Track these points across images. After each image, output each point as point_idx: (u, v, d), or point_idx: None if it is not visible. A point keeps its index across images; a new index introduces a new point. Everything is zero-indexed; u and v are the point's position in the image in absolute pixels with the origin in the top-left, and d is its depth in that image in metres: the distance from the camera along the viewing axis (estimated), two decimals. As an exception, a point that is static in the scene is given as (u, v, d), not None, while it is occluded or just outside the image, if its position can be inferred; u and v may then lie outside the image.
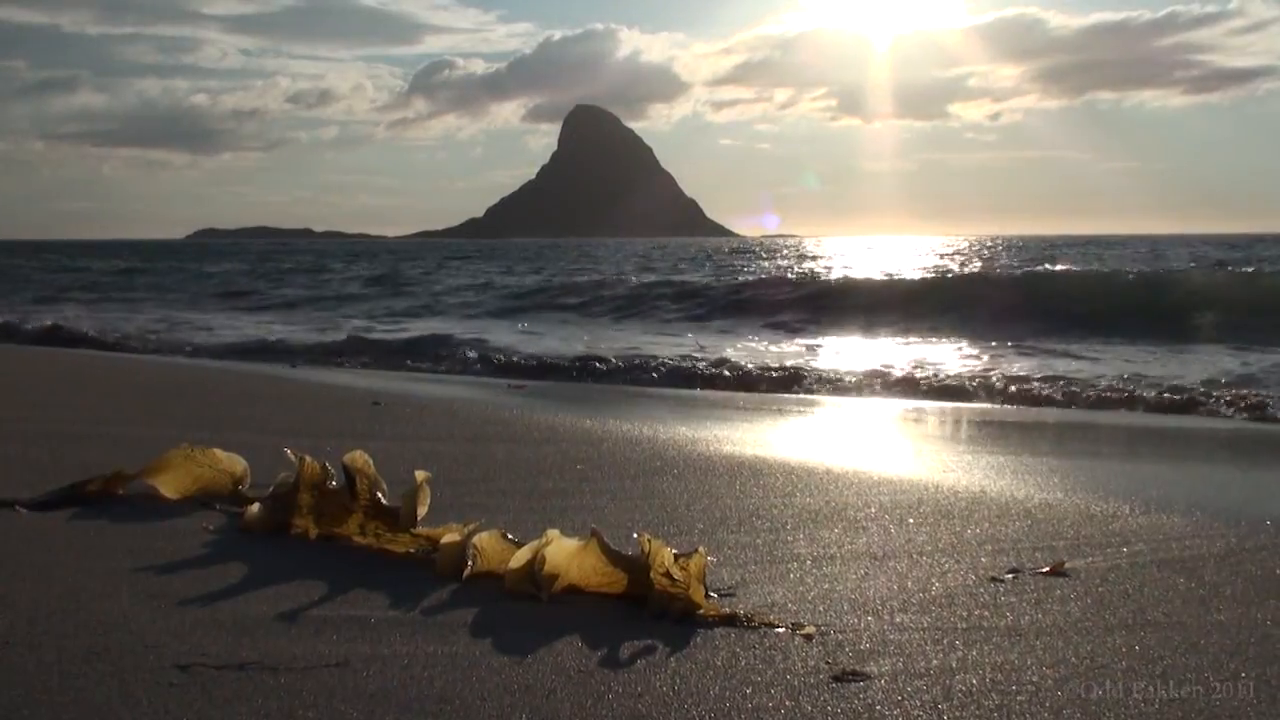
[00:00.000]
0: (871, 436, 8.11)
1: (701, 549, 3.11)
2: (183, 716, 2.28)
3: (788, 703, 2.46)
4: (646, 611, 3.01)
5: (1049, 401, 10.87)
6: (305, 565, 3.40)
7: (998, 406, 10.45)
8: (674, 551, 3.08)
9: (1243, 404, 10.11)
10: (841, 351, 17.42)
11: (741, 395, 10.97)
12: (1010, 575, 3.54)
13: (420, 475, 3.66)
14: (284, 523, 3.76)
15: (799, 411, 9.54)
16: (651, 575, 3.05)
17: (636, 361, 14.46)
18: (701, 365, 14.13)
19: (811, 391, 11.91)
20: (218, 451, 4.34)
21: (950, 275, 32.87)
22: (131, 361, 12.62)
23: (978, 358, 15.67)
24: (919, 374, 12.78)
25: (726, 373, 13.33)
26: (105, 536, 3.68)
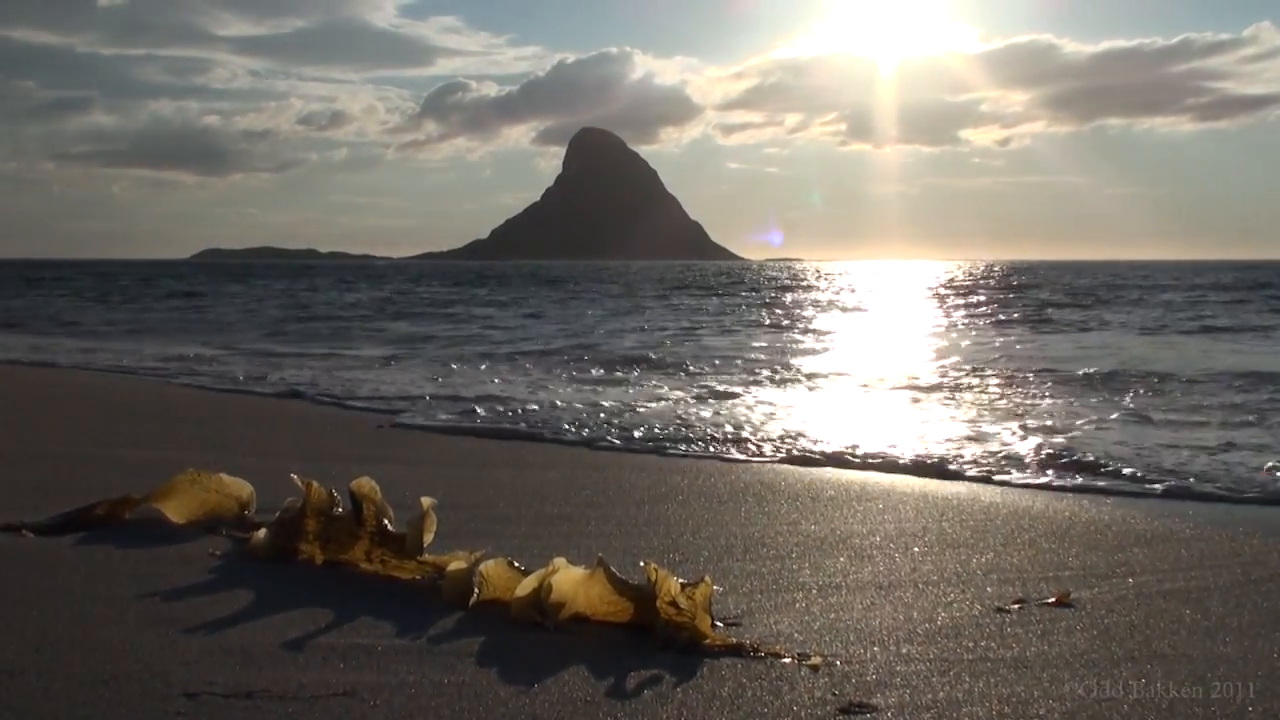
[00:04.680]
0: (875, 463, 8.07)
1: (708, 578, 3.10)
2: (190, 746, 2.28)
3: (795, 735, 2.46)
4: (653, 641, 3.01)
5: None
6: (311, 592, 3.40)
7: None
8: (680, 581, 3.08)
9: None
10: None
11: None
12: (1016, 606, 3.53)
13: (426, 502, 3.66)
14: (290, 549, 3.76)
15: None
16: (658, 604, 3.05)
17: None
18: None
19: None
20: (224, 476, 4.35)
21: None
22: (133, 382, 12.61)
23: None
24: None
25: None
26: (111, 562, 3.68)
